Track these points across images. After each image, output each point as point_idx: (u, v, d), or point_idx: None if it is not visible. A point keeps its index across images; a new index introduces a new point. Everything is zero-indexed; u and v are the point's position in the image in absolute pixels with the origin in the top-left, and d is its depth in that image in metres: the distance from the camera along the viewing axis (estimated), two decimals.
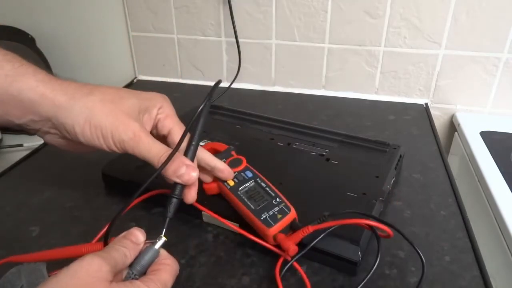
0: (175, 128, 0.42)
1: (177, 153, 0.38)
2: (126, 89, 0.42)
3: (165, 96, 0.44)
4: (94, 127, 0.37)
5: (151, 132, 0.42)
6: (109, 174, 0.55)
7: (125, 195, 0.53)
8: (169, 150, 0.38)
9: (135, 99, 0.40)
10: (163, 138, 0.43)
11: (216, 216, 0.45)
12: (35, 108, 0.38)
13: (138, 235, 0.34)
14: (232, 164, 0.47)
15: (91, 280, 0.28)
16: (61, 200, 0.54)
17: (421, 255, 0.39)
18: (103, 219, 0.50)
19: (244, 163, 0.48)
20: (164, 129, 0.42)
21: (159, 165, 0.37)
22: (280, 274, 0.40)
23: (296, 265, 0.41)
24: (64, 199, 0.54)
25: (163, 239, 0.35)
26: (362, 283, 0.39)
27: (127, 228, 0.47)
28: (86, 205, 0.53)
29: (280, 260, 0.41)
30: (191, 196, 0.40)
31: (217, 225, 0.49)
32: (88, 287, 0.28)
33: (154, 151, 0.37)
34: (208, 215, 0.48)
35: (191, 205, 0.49)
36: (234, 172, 0.47)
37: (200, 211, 0.49)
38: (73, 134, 0.38)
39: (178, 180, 0.38)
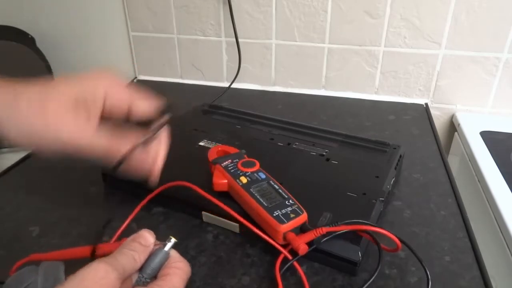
0: (134, 101, 0.39)
1: (121, 139, 0.36)
2: (61, 80, 0.37)
3: (109, 74, 0.39)
4: (27, 137, 0.35)
5: (106, 115, 0.38)
6: (109, 174, 0.55)
7: (125, 195, 0.53)
8: (114, 141, 0.35)
9: (69, 89, 0.36)
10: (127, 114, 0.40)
11: (220, 212, 0.46)
12: None
13: (147, 237, 0.33)
14: (245, 165, 0.48)
15: (98, 286, 0.28)
16: (61, 200, 0.54)
17: (428, 273, 0.40)
18: (103, 219, 0.50)
19: (258, 165, 0.49)
20: (122, 108, 0.39)
21: (109, 158, 0.35)
22: (280, 272, 0.40)
23: (296, 265, 0.41)
24: (64, 199, 0.54)
25: (173, 240, 0.34)
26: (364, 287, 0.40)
27: (128, 228, 0.47)
28: (86, 205, 0.53)
29: (280, 258, 0.41)
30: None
31: (217, 225, 0.49)
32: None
33: (98, 150, 0.35)
34: (208, 215, 0.48)
35: (191, 205, 0.49)
36: (247, 172, 0.47)
37: (200, 211, 0.49)
38: (13, 142, 0.35)
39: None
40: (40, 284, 0.33)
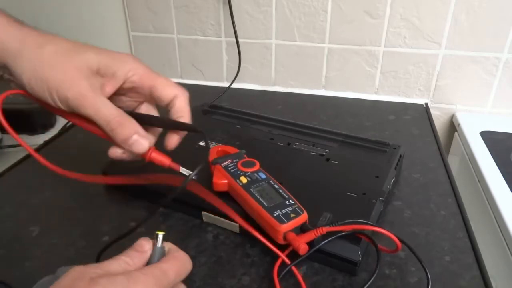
0: (157, 83, 0.39)
1: (129, 118, 0.35)
2: (91, 45, 0.38)
3: (135, 57, 0.41)
4: (40, 79, 0.35)
5: (122, 95, 0.40)
6: (109, 174, 0.55)
7: (125, 195, 0.54)
8: (122, 114, 0.36)
9: (96, 55, 0.37)
10: (148, 97, 0.41)
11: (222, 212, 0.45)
12: None
13: (142, 243, 0.33)
14: (245, 165, 0.48)
15: (72, 280, 0.28)
16: (61, 200, 0.54)
17: (428, 273, 0.40)
18: (103, 219, 0.50)
19: (258, 166, 0.49)
20: (144, 89, 0.39)
21: (109, 128, 0.35)
22: (278, 277, 0.40)
23: (294, 269, 0.41)
24: (64, 199, 0.54)
25: (160, 234, 0.33)
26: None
27: (128, 227, 0.47)
28: (86, 205, 0.53)
29: (278, 262, 0.41)
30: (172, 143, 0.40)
31: (217, 225, 0.49)
32: (69, 283, 0.28)
33: (102, 113, 0.35)
34: (208, 215, 0.48)
35: (191, 205, 0.49)
36: (247, 172, 0.47)
37: (200, 211, 0.49)
38: (21, 84, 0.36)
39: (128, 148, 0.36)
40: None
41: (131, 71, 0.39)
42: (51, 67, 0.35)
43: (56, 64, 0.35)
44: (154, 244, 0.34)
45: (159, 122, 0.41)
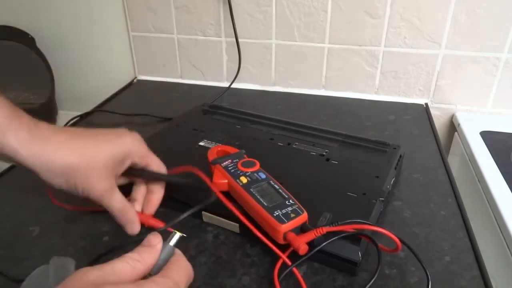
0: (152, 162, 0.48)
1: (130, 208, 0.46)
2: (102, 138, 0.44)
3: (134, 134, 0.47)
4: (69, 184, 0.41)
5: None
6: None
7: (125, 195, 0.53)
8: (125, 205, 0.45)
9: (110, 151, 0.43)
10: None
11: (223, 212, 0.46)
12: (15, 161, 0.40)
13: (150, 238, 0.33)
14: (245, 165, 0.48)
15: (75, 283, 0.27)
16: (61, 200, 0.53)
17: (428, 273, 0.39)
18: (103, 219, 0.50)
19: (258, 165, 0.49)
20: (140, 164, 0.47)
21: (114, 214, 0.45)
22: (279, 278, 0.40)
23: (295, 269, 0.41)
24: (64, 199, 0.54)
25: (177, 234, 0.33)
26: None
27: None
28: (86, 205, 0.53)
29: (279, 264, 0.41)
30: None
31: (217, 225, 0.49)
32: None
33: (113, 205, 0.44)
34: (208, 215, 0.48)
35: (192, 205, 0.49)
36: (247, 172, 0.47)
37: (200, 211, 0.49)
38: (51, 185, 0.42)
39: (125, 229, 0.46)
40: (53, 283, 0.34)
41: (134, 153, 0.46)
42: (79, 173, 0.41)
43: (82, 169, 0.41)
44: (165, 241, 0.33)
45: (160, 177, 0.49)
